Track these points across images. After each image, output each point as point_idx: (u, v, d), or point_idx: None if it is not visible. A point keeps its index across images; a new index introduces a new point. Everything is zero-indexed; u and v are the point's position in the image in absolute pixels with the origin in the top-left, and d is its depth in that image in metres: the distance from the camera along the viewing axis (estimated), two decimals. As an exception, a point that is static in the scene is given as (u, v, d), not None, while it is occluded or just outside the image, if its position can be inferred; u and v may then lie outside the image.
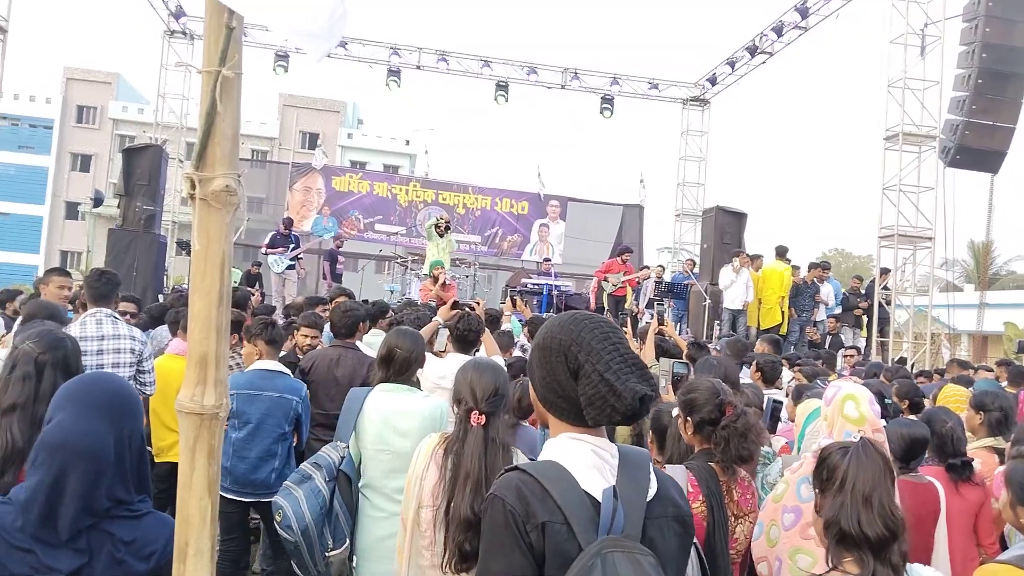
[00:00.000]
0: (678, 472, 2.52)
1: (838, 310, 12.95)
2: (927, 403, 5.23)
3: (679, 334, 9.02)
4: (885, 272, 13.53)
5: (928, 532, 3.19)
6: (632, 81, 19.98)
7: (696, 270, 14.16)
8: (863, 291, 13.63)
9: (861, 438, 2.08)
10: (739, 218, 13.87)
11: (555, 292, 13.44)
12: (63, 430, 1.65)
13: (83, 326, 4.54)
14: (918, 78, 13.38)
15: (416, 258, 15.22)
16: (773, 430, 4.07)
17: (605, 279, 12.58)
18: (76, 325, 4.53)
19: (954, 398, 5.02)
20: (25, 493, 1.62)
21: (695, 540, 1.78)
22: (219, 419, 1.45)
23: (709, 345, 7.49)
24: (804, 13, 16.11)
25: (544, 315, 9.92)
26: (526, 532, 1.41)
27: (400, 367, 3.34)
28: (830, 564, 1.92)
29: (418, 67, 19.05)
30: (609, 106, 19.69)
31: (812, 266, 13.12)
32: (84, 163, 42.61)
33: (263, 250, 13.56)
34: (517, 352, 6.43)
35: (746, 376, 5.38)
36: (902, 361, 12.28)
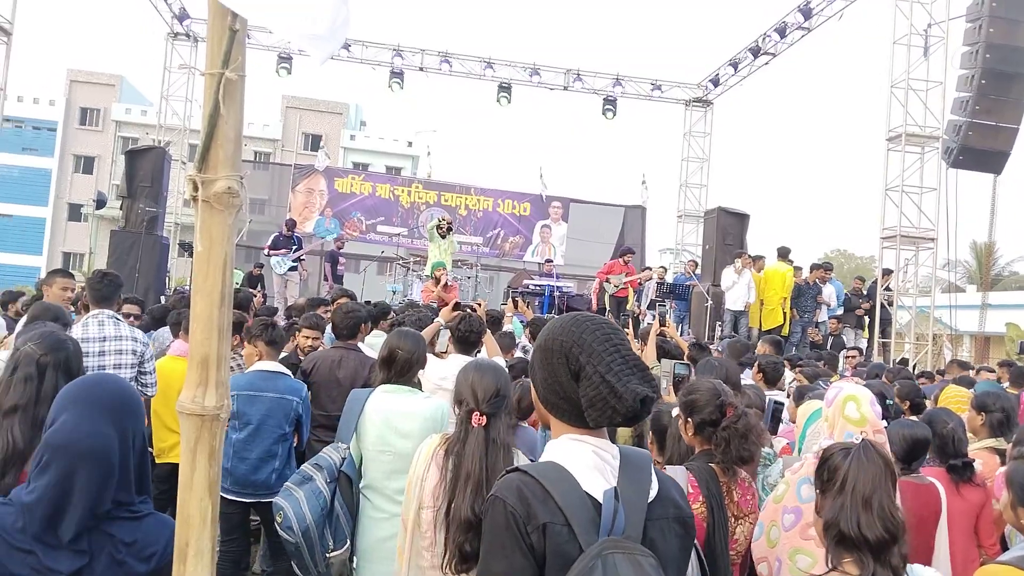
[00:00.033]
0: (678, 473, 2.52)
1: (840, 311, 12.93)
2: (928, 404, 5.22)
3: (681, 335, 9.01)
4: (887, 273, 13.52)
5: (929, 533, 3.19)
6: (635, 82, 19.98)
7: (698, 271, 14.15)
8: (865, 292, 13.61)
9: (863, 440, 2.08)
10: (741, 219, 13.86)
11: (557, 293, 13.44)
12: (68, 431, 1.65)
13: (85, 327, 4.56)
14: (921, 79, 13.38)
15: (418, 259, 15.23)
16: (774, 431, 4.07)
17: (607, 280, 12.58)
18: (78, 326, 4.54)
19: (955, 399, 5.01)
20: (30, 494, 1.62)
21: (695, 541, 1.78)
22: (220, 420, 1.45)
23: (711, 346, 7.49)
24: (807, 14, 16.11)
25: (546, 316, 9.92)
26: (527, 533, 1.42)
27: (401, 368, 3.35)
28: (830, 565, 1.92)
29: (421, 69, 19.07)
30: (611, 107, 19.69)
31: (814, 267, 13.11)
32: (87, 165, 42.67)
33: (266, 251, 13.58)
34: (518, 353, 6.43)
35: (748, 377, 5.37)
36: (904, 362, 12.26)
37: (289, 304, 10.61)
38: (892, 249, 13.55)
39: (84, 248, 34.35)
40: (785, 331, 12.02)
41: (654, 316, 8.59)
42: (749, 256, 12.42)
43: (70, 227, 41.81)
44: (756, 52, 17.84)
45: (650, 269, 14.85)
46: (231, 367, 1.48)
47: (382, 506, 3.13)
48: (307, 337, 5.24)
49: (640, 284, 13.41)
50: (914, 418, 4.06)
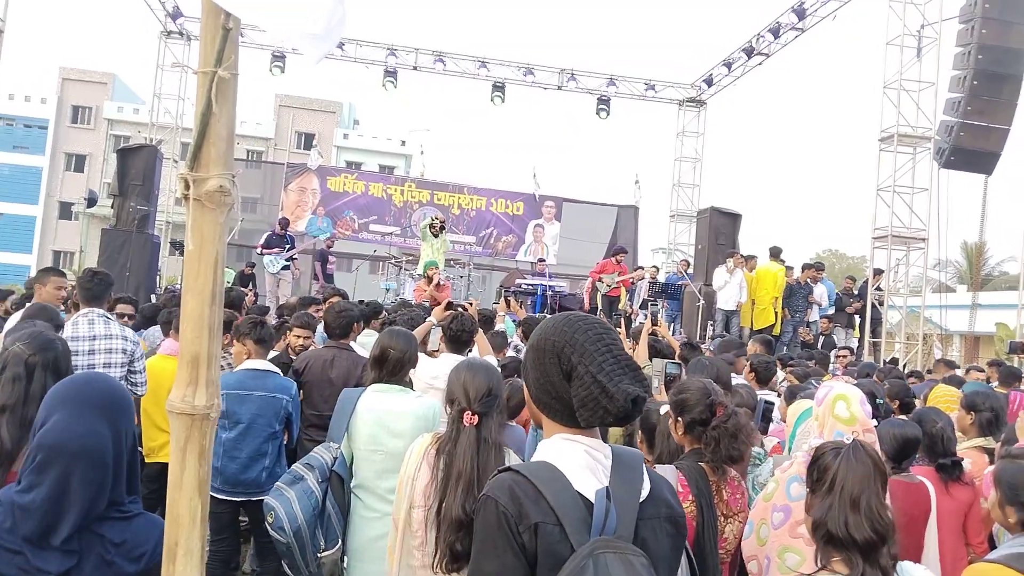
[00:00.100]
0: (668, 472, 2.53)
1: (831, 311, 12.98)
2: (918, 403, 5.25)
3: (672, 335, 9.03)
4: (878, 273, 13.58)
5: (919, 531, 3.21)
6: (628, 82, 20.01)
7: (690, 271, 14.18)
8: (856, 292, 13.67)
9: (853, 440, 2.09)
10: (734, 219, 13.91)
11: (549, 293, 13.45)
12: (61, 431, 1.64)
13: (75, 326, 4.54)
14: (914, 79, 13.44)
15: (410, 258, 15.22)
16: (764, 431, 4.08)
17: (599, 280, 12.60)
18: (68, 325, 4.52)
19: (944, 398, 5.04)
20: (25, 495, 1.61)
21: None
22: (210, 419, 1.45)
23: (702, 346, 7.51)
24: (801, 15, 16.16)
25: (538, 316, 9.93)
26: (519, 533, 1.42)
27: (393, 367, 3.35)
28: (819, 564, 1.93)
29: (415, 68, 19.06)
30: (605, 107, 19.72)
31: (805, 267, 13.15)
32: (78, 163, 42.45)
33: (258, 250, 13.54)
34: (510, 352, 6.43)
35: (739, 377, 5.39)
36: (894, 362, 12.31)
37: (281, 303, 10.59)
38: (883, 249, 13.62)
39: (75, 247, 34.22)
40: (776, 330, 12.06)
41: (646, 315, 8.59)
42: (741, 256, 12.46)
43: (61, 225, 41.59)
44: (750, 52, 17.88)
45: (642, 268, 14.89)
46: (221, 366, 1.47)
47: (374, 505, 3.12)
48: (298, 336, 5.23)
49: (632, 283, 13.44)
50: (904, 417, 4.08)
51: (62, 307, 5.58)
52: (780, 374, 6.21)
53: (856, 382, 4.52)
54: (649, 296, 13.41)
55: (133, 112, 40.36)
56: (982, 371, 8.55)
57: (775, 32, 16.88)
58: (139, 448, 2.15)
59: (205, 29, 1.38)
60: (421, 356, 4.05)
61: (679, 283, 13.83)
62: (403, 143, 44.02)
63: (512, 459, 2.63)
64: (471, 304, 6.28)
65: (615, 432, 3.80)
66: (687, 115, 20.89)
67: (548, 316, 3.47)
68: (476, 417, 2.54)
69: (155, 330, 6.20)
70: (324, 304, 6.82)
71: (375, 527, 3.08)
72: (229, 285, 9.33)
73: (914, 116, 13.43)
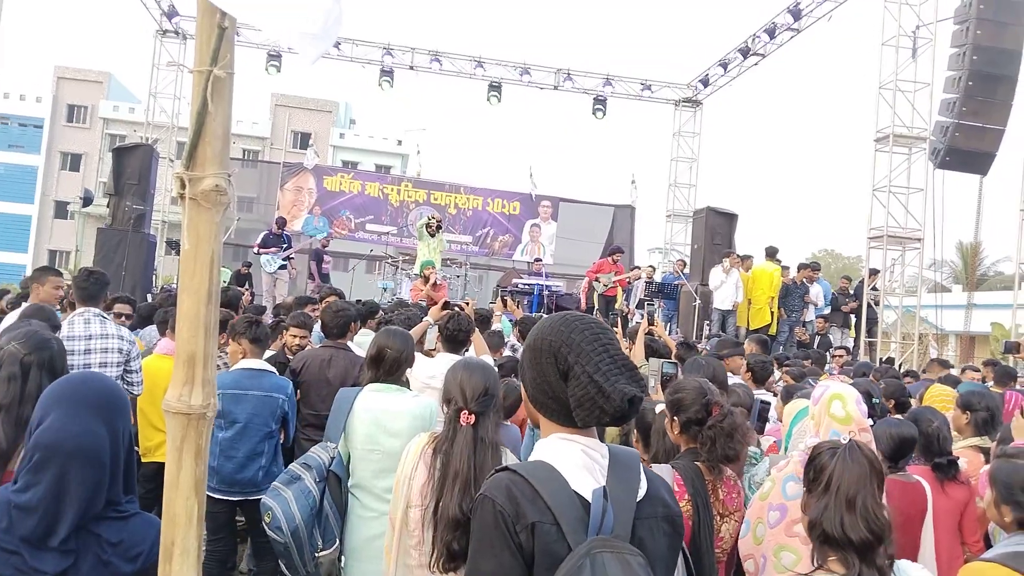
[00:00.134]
0: (664, 471, 2.53)
1: (827, 310, 13.01)
2: (913, 403, 5.26)
3: (669, 334, 9.04)
4: (874, 273, 13.61)
5: (916, 531, 3.22)
6: (625, 82, 20.02)
7: (686, 270, 14.19)
8: (852, 291, 13.70)
9: (850, 440, 2.09)
10: (730, 219, 13.92)
11: (546, 292, 13.45)
12: (57, 430, 1.63)
13: (71, 325, 4.53)
14: (909, 80, 13.47)
15: (407, 258, 15.21)
16: (760, 431, 4.09)
17: (596, 279, 12.60)
18: (64, 324, 4.51)
19: (940, 398, 5.06)
20: (21, 494, 1.61)
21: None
22: (206, 419, 1.45)
23: (699, 345, 7.52)
24: (796, 15, 16.19)
25: (535, 315, 9.93)
26: (516, 532, 1.42)
27: (390, 367, 3.35)
28: (815, 564, 1.94)
29: (411, 67, 19.05)
30: (601, 107, 19.74)
31: (801, 267, 13.17)
32: (74, 162, 42.34)
33: (255, 250, 13.51)
34: (507, 352, 6.44)
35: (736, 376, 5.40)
36: (890, 361, 12.35)
37: (277, 303, 10.57)
38: (879, 249, 13.64)
39: (70, 246, 34.11)
40: (773, 330, 12.08)
41: (642, 315, 8.61)
42: (737, 256, 12.47)
43: (56, 224, 41.49)
44: (746, 53, 17.91)
45: (639, 268, 14.89)
46: (217, 365, 1.47)
47: (371, 505, 3.12)
48: (295, 336, 5.22)
49: (629, 283, 13.44)
50: (899, 417, 4.09)
51: (57, 306, 5.57)
52: (776, 374, 6.23)
53: (852, 381, 4.53)
54: (646, 296, 13.41)
55: (129, 111, 40.27)
56: (978, 371, 8.57)
57: (771, 32, 16.91)
58: (135, 447, 2.14)
59: (201, 28, 1.38)
60: (418, 355, 4.05)
61: (675, 283, 13.84)
62: (399, 143, 44.00)
63: (509, 458, 2.63)
64: (467, 304, 6.28)
65: (611, 432, 3.81)
66: (683, 115, 20.91)
67: (545, 316, 3.47)
68: (473, 416, 2.54)
69: (151, 329, 6.19)
70: (320, 304, 6.81)
71: (372, 526, 3.08)
72: (225, 285, 9.30)
73: (909, 116, 13.46)
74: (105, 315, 4.83)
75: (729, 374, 4.82)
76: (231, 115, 1.44)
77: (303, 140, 40.01)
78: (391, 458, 2.97)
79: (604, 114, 19.81)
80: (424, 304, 8.09)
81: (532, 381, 1.58)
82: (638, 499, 1.52)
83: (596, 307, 12.35)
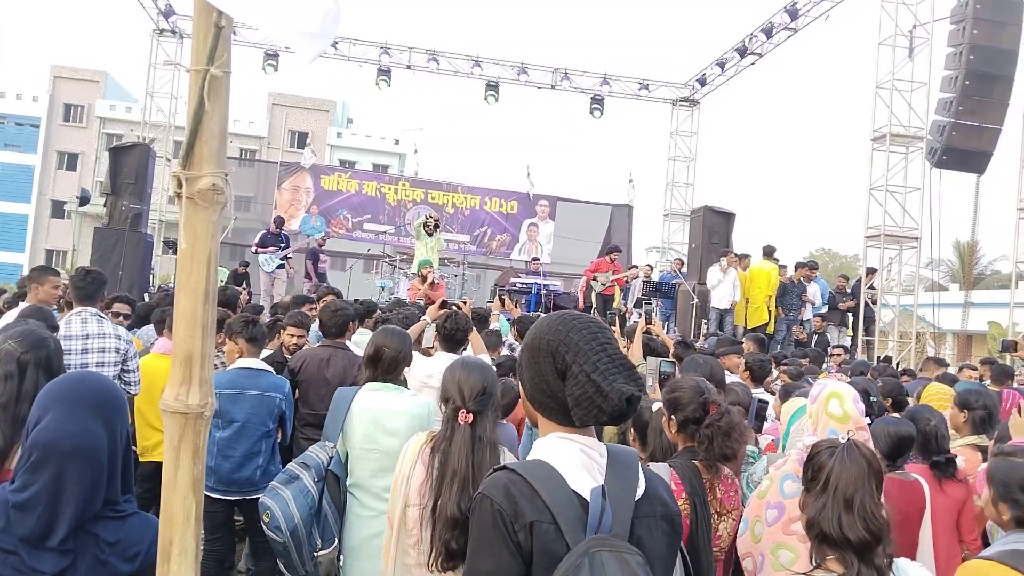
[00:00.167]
0: (662, 470, 2.53)
1: (824, 309, 13.02)
2: (911, 401, 5.27)
3: (667, 333, 9.05)
4: (871, 272, 13.63)
5: (914, 529, 3.22)
6: (622, 81, 20.03)
7: (684, 269, 14.20)
8: (849, 290, 13.72)
9: (849, 439, 2.09)
10: (727, 218, 13.92)
11: (544, 291, 13.45)
12: (55, 430, 1.63)
13: (68, 325, 4.52)
14: (906, 79, 13.48)
15: (404, 257, 15.20)
16: (758, 430, 4.09)
17: (594, 278, 12.60)
18: (60, 324, 4.50)
19: (937, 396, 5.06)
20: (18, 494, 1.60)
21: (680, 538, 1.79)
22: (204, 418, 1.44)
23: (696, 344, 7.52)
24: (793, 15, 16.21)
25: (532, 314, 9.93)
26: (514, 531, 1.42)
27: (388, 366, 3.34)
28: (814, 563, 1.94)
29: (408, 67, 19.03)
30: (599, 106, 19.74)
31: (799, 265, 13.19)
32: (71, 161, 42.28)
33: (253, 249, 13.49)
34: (505, 351, 6.44)
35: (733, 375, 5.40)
36: (887, 360, 12.37)
37: (275, 302, 10.56)
38: (876, 248, 13.66)
39: (67, 245, 34.09)
40: (770, 329, 12.09)
41: (640, 314, 8.62)
42: (735, 255, 12.48)
43: (53, 224, 41.43)
44: (743, 52, 17.92)
45: (636, 267, 14.89)
46: (214, 365, 1.47)
47: (369, 504, 3.12)
48: (292, 335, 5.21)
49: (627, 282, 13.44)
50: (897, 415, 4.10)
51: (54, 306, 5.56)
52: (774, 372, 6.23)
53: (850, 380, 4.54)
54: (643, 295, 13.43)
55: (125, 110, 40.22)
56: (975, 369, 8.59)
57: (768, 32, 16.92)
58: (133, 447, 2.14)
59: (197, 27, 1.38)
60: (415, 355, 4.04)
61: (673, 282, 13.85)
62: (397, 142, 44.00)
63: (507, 457, 2.63)
64: (465, 303, 6.28)
65: (609, 430, 3.81)
66: (680, 114, 20.92)
67: (543, 315, 3.47)
68: (471, 416, 2.53)
69: (149, 329, 6.18)
70: (318, 303, 6.80)
71: (371, 525, 3.07)
72: (223, 284, 9.29)
73: (906, 116, 13.48)
74: (102, 314, 4.82)
75: (727, 373, 4.83)
76: (228, 114, 1.43)
77: (300, 139, 39.98)
78: (390, 457, 2.97)
79: (601, 113, 19.82)
80: (422, 303, 8.09)
81: (530, 380, 1.58)
82: (636, 498, 1.52)
83: (594, 306, 12.35)
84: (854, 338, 13.30)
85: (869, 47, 13.80)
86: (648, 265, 17.40)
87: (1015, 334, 13.15)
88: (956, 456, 3.63)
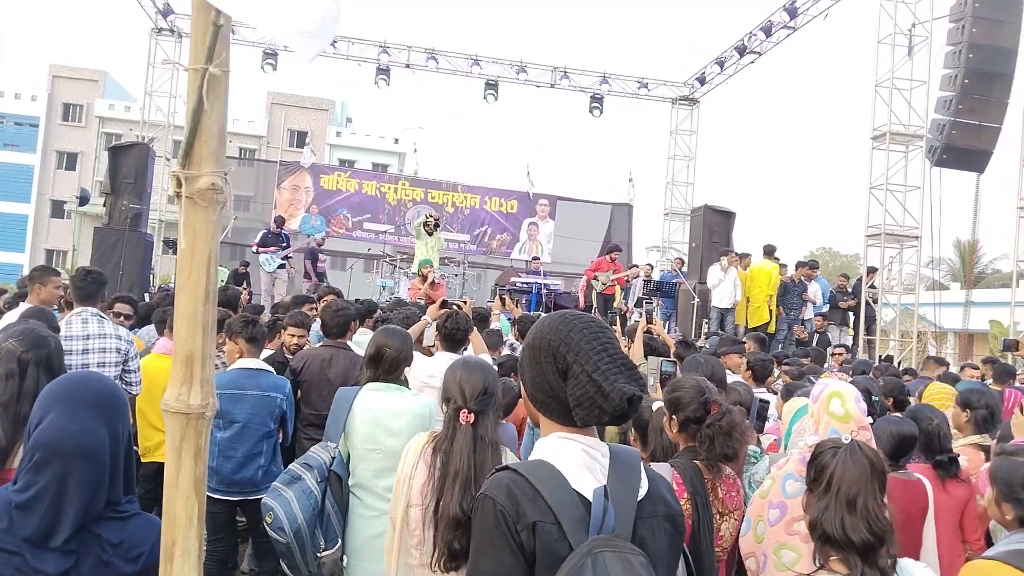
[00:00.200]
0: (663, 470, 2.52)
1: (826, 308, 13.02)
2: (912, 400, 5.26)
3: (667, 332, 9.04)
4: (872, 271, 13.62)
5: (917, 529, 3.21)
6: (621, 80, 20.02)
7: (684, 269, 14.19)
8: (850, 289, 13.72)
9: (852, 440, 2.08)
10: (727, 217, 13.91)
11: (544, 291, 13.44)
12: (57, 430, 1.62)
13: (68, 325, 4.52)
14: (905, 78, 13.48)
15: (405, 257, 15.20)
16: (760, 430, 4.08)
17: (595, 278, 12.59)
18: (61, 324, 4.50)
19: (939, 396, 5.06)
20: (21, 494, 1.60)
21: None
22: (205, 419, 1.44)
23: (697, 343, 7.51)
24: (793, 13, 16.19)
25: (533, 314, 9.92)
26: (516, 532, 1.41)
27: (389, 366, 3.34)
28: (817, 563, 1.93)
29: (407, 65, 19.01)
30: (598, 105, 19.73)
31: (800, 264, 13.18)
32: (70, 161, 42.28)
33: (254, 248, 13.48)
34: (506, 351, 6.43)
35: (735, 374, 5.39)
36: (889, 359, 12.36)
37: (275, 302, 10.55)
38: (877, 247, 13.66)
39: (67, 245, 34.09)
40: (771, 328, 12.09)
41: (641, 314, 8.61)
42: (735, 254, 12.48)
43: (53, 224, 41.43)
44: (742, 51, 17.91)
45: (637, 267, 14.88)
46: (215, 365, 1.47)
47: (372, 504, 3.12)
48: (293, 335, 5.20)
49: (627, 282, 13.43)
50: (899, 415, 4.09)
51: (55, 306, 5.56)
52: (775, 372, 6.22)
53: (851, 379, 4.53)
54: (644, 294, 13.41)
55: (124, 110, 40.22)
56: (977, 368, 8.59)
57: (767, 31, 16.91)
58: (135, 448, 2.14)
59: (196, 26, 1.37)
60: (416, 355, 4.04)
61: (674, 281, 13.84)
62: (396, 141, 44.00)
63: (509, 457, 2.63)
64: (466, 302, 6.28)
65: (611, 430, 3.81)
66: (680, 113, 20.92)
67: (544, 314, 3.46)
68: (472, 415, 2.53)
69: (150, 329, 6.18)
70: (318, 302, 6.80)
71: (374, 525, 3.07)
72: (223, 284, 9.28)
73: (906, 114, 13.47)
74: (103, 315, 4.82)
75: (728, 372, 4.82)
76: (227, 113, 1.43)
77: (300, 139, 39.95)
78: (392, 457, 2.96)
79: (601, 112, 19.81)
80: (423, 303, 8.08)
81: (531, 380, 1.58)
82: (639, 498, 1.52)
83: (594, 305, 12.34)
84: (855, 337, 13.30)
85: (868, 46, 13.82)
86: (648, 264, 17.40)
87: (1016, 333, 13.15)
88: (959, 455, 3.62)
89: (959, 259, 33.22)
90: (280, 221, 13.83)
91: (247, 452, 4.12)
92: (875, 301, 13.47)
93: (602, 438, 1.59)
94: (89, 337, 4.54)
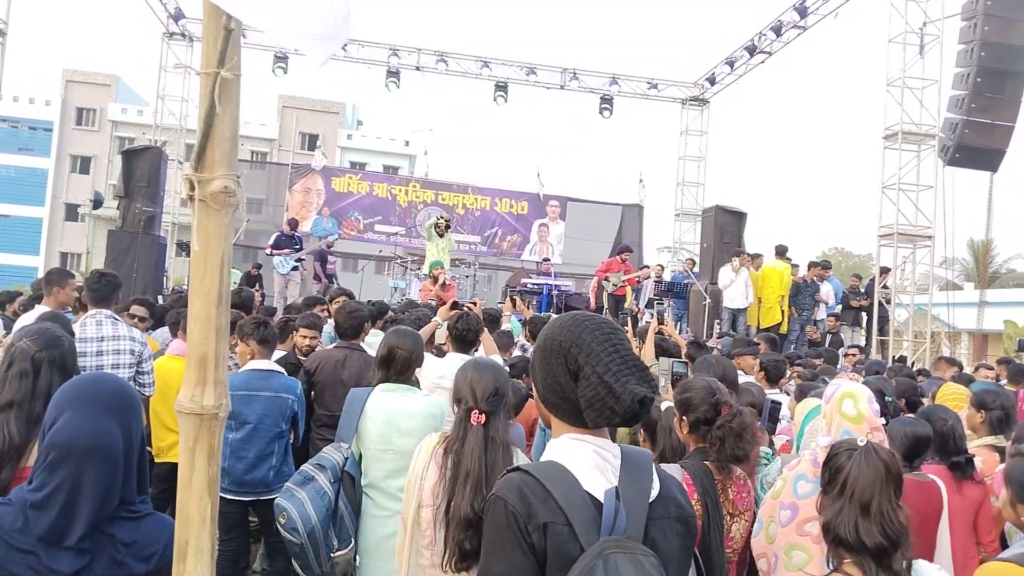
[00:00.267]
0: (674, 471, 2.52)
1: (838, 309, 12.95)
2: (926, 401, 5.23)
3: (679, 333, 9.02)
4: (885, 271, 13.53)
5: (931, 530, 3.19)
6: (631, 81, 19.98)
7: (696, 269, 14.16)
8: (862, 289, 13.64)
9: (867, 442, 2.07)
10: (739, 217, 13.87)
11: (555, 292, 13.44)
12: (71, 430, 1.64)
13: (83, 327, 4.55)
14: (917, 77, 13.38)
15: (416, 258, 15.22)
16: (772, 431, 4.07)
17: (605, 279, 12.58)
18: (76, 326, 4.53)
19: (953, 396, 5.02)
20: (36, 493, 1.61)
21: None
22: (219, 419, 1.45)
23: (709, 344, 7.49)
24: (803, 12, 16.12)
25: (544, 315, 9.92)
26: (528, 533, 1.41)
27: (401, 367, 3.35)
28: (831, 566, 1.92)
29: (417, 68, 19.05)
30: (608, 106, 19.69)
31: (812, 265, 13.12)
32: (84, 165, 42.61)
33: (267, 251, 13.54)
34: (517, 352, 6.44)
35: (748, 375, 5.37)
36: (902, 360, 12.28)
37: (288, 303, 10.59)
38: (890, 247, 13.56)
39: (81, 248, 34.27)
40: (784, 329, 12.04)
41: (652, 314, 8.59)
42: (747, 254, 12.44)
43: (67, 227, 41.75)
44: (752, 51, 17.84)
45: (648, 267, 14.86)
46: (228, 366, 1.48)
47: (385, 504, 3.13)
48: (304, 336, 5.23)
49: (638, 282, 13.41)
50: (914, 416, 4.07)
51: (70, 309, 5.60)
52: (788, 372, 6.20)
53: (864, 380, 4.51)
54: (655, 295, 13.39)
55: (137, 113, 40.49)
56: (991, 369, 8.52)
57: (777, 30, 16.84)
58: (148, 448, 2.16)
59: (207, 30, 1.38)
60: (427, 355, 4.05)
61: (685, 282, 13.81)
62: (407, 143, 44.09)
63: (520, 458, 2.63)
64: (476, 304, 6.29)
65: (622, 431, 3.81)
66: (690, 114, 20.85)
67: (554, 316, 3.46)
68: (483, 416, 2.53)
69: (165, 331, 6.21)
70: (329, 304, 6.82)
71: (386, 525, 3.08)
72: (236, 286, 9.33)
73: (918, 114, 13.37)
74: (117, 317, 4.85)
75: (741, 373, 4.81)
76: (239, 117, 1.43)
77: (311, 141, 40.11)
78: (404, 457, 2.97)
79: (611, 113, 19.77)
80: (434, 304, 8.09)
81: (543, 381, 1.58)
82: (651, 499, 1.52)
83: (606, 306, 12.32)
84: (868, 338, 13.21)
85: (879, 45, 13.72)
86: (660, 265, 17.36)
87: (1031, 333, 13.02)
88: (974, 456, 3.59)
89: (973, 259, 32.96)
90: (294, 223, 13.89)
91: (259, 453, 4.14)
92: (888, 301, 13.39)
93: (613, 439, 1.59)
94: (103, 339, 4.58)
